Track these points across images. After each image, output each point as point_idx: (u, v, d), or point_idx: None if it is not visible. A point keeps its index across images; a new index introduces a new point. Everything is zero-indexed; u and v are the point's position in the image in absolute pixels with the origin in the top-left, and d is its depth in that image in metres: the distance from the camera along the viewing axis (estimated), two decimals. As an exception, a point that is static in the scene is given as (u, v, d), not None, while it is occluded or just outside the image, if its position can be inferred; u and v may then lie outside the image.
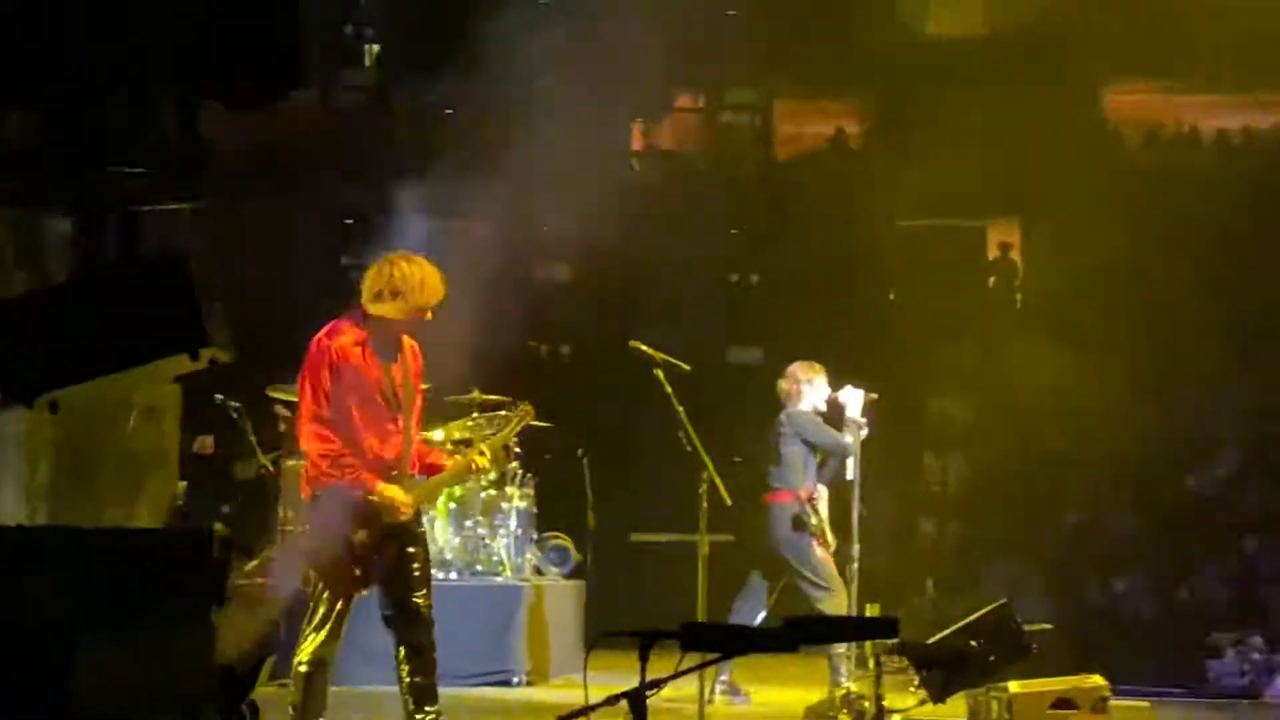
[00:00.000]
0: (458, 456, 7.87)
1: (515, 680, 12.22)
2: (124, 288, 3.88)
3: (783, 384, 11.54)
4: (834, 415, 11.30)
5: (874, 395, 11.21)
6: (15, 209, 4.75)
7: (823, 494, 11.30)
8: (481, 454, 7.73)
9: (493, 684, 12.03)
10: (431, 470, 7.72)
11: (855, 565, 11.03)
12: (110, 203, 3.94)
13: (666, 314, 16.11)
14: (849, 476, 11.07)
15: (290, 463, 13.03)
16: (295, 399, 12.96)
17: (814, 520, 11.11)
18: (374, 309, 7.46)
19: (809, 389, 11.41)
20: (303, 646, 7.48)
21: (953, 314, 17.61)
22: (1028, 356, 16.75)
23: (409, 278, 7.43)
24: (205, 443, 14.06)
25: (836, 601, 10.63)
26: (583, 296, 17.07)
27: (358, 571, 7.44)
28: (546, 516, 13.99)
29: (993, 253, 19.86)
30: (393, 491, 7.42)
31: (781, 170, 20.28)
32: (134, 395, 9.35)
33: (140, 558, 3.94)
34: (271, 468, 13.19)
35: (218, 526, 4.21)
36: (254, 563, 11.84)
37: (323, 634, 7.47)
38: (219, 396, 12.79)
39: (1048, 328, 17.81)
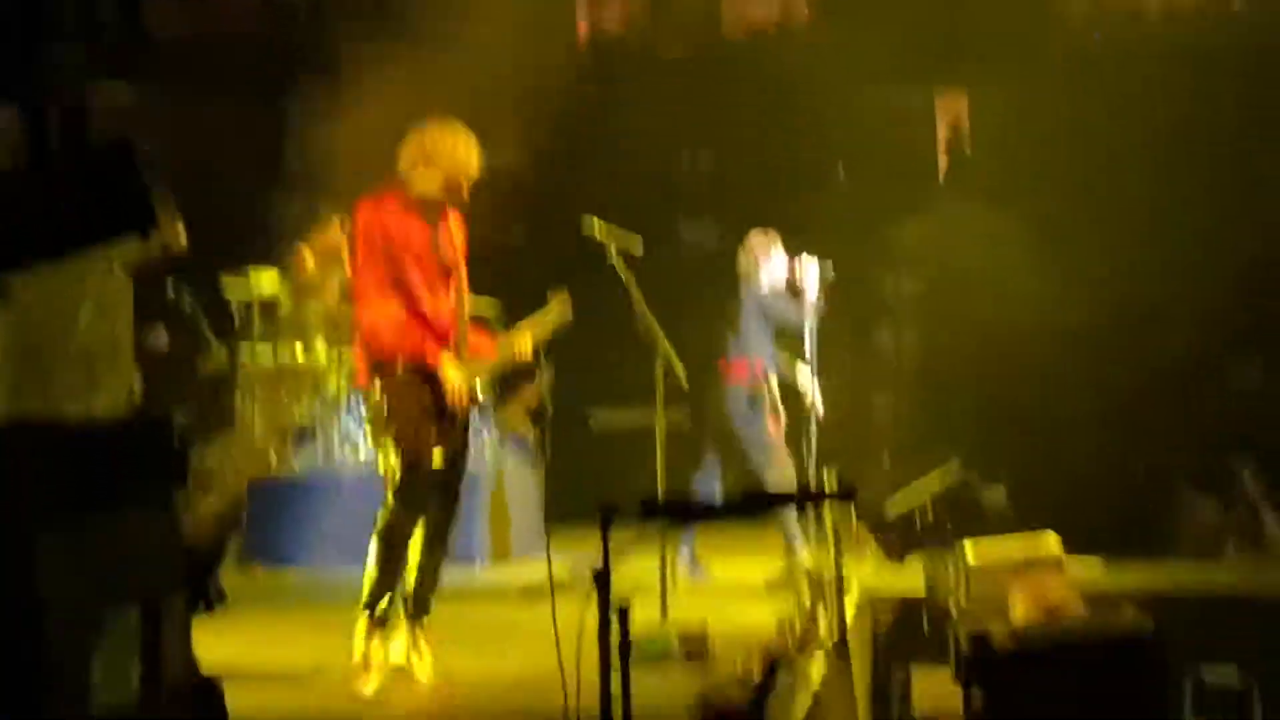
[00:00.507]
0: (503, 342, 7.75)
1: (478, 562, 12.31)
2: (71, 173, 3.86)
3: (741, 255, 11.55)
4: (792, 284, 11.35)
5: (830, 263, 11.25)
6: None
7: (775, 368, 11.36)
8: (521, 335, 7.75)
9: (456, 563, 12.10)
10: (477, 353, 7.63)
11: (814, 442, 11.12)
12: (53, 86, 3.91)
13: (618, 195, 16.06)
14: (806, 347, 11.13)
15: (246, 353, 13.04)
16: (245, 288, 13.07)
17: (769, 395, 11.16)
18: (412, 178, 7.40)
19: (766, 259, 11.43)
20: (393, 524, 7.41)
21: (902, 189, 17.61)
22: (978, 229, 16.79)
23: (440, 145, 7.37)
24: (159, 335, 14.01)
25: (784, 479, 10.70)
26: (534, 179, 16.99)
27: (433, 436, 7.34)
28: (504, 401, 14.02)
29: (942, 127, 19.82)
30: (454, 372, 7.36)
31: (730, 49, 20.15)
32: (85, 287, 9.32)
33: (100, 447, 3.95)
34: (227, 358, 13.18)
35: (177, 414, 4.22)
36: (213, 450, 11.90)
37: (407, 506, 7.38)
38: (171, 288, 12.74)
39: (998, 201, 17.83)
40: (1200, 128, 16.64)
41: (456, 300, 7.56)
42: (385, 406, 7.28)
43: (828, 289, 11.18)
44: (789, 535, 10.73)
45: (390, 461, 7.33)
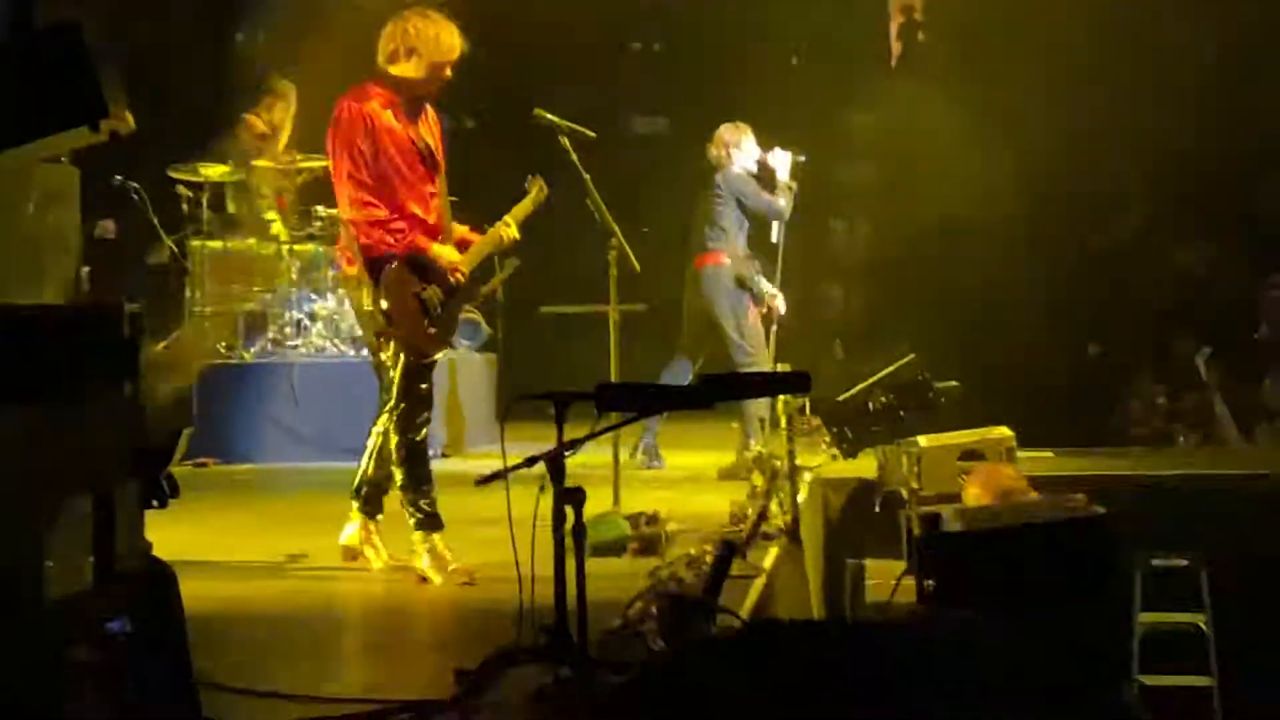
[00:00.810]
0: (487, 228, 7.77)
1: (432, 453, 12.32)
2: (18, 60, 3.80)
3: (711, 148, 11.52)
4: (763, 176, 11.36)
5: (802, 157, 11.26)
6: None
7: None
8: (507, 225, 7.75)
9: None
10: (463, 244, 7.62)
11: (774, 329, 11.18)
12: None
13: (569, 84, 15.98)
14: (774, 239, 11.16)
15: (195, 243, 12.96)
16: (194, 179, 12.97)
17: (754, 281, 11.18)
18: (393, 70, 7.33)
19: (738, 152, 11.43)
20: (394, 419, 7.37)
21: (855, 76, 17.56)
22: (930, 118, 16.75)
23: (423, 33, 7.30)
24: (106, 226, 13.91)
25: (759, 365, 10.77)
26: (484, 69, 16.85)
27: (432, 329, 7.33)
28: (456, 290, 14.00)
29: (896, 16, 19.74)
30: (447, 251, 7.39)
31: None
32: (31, 178, 9.22)
33: (49, 333, 3.91)
34: (176, 249, 13.10)
35: (127, 304, 4.18)
36: (164, 342, 11.85)
37: (415, 400, 7.33)
38: (118, 179, 12.64)
39: (950, 89, 17.78)
40: (1155, 10, 16.59)
41: (441, 192, 7.54)
42: (387, 305, 7.22)
43: (799, 175, 11.21)
44: (748, 427, 10.79)
45: (395, 359, 7.29)
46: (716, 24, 18.33)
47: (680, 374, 11.34)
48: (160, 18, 15.40)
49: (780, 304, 11.34)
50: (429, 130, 7.49)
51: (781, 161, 11.29)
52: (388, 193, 7.24)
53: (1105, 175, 16.99)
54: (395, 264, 7.22)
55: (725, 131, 11.52)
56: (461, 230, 7.73)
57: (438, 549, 7.29)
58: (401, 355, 7.28)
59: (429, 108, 7.51)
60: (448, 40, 7.36)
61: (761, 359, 11.06)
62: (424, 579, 7.23)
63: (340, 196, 7.33)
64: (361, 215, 7.21)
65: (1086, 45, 16.70)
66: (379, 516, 7.67)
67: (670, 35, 19.01)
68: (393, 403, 7.33)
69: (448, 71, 7.39)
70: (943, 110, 16.81)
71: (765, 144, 11.53)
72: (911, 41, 19.47)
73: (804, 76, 18.09)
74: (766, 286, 11.31)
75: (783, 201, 11.18)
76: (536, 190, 8.07)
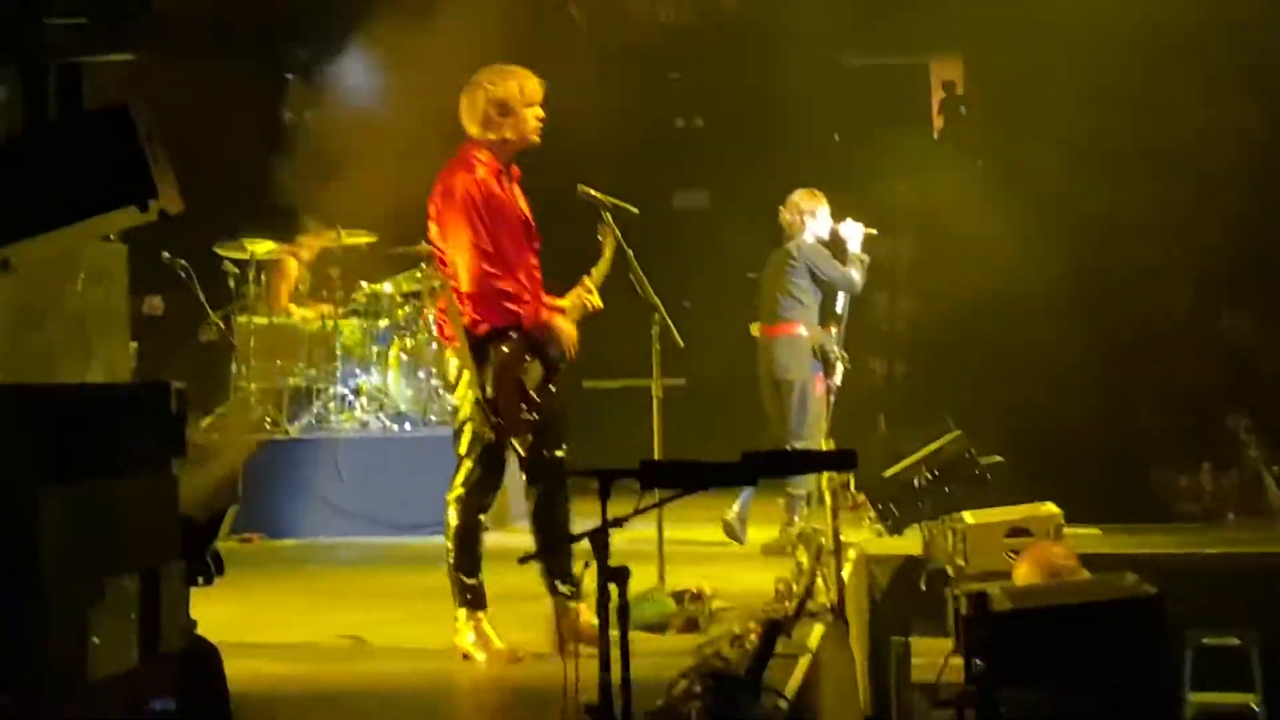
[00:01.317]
0: (572, 296, 7.56)
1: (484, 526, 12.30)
2: (70, 140, 3.83)
3: (785, 214, 11.43)
4: (834, 247, 11.32)
5: (874, 231, 11.21)
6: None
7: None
8: (590, 292, 7.59)
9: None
10: (552, 310, 7.43)
11: (833, 400, 11.13)
12: (52, 56, 3.88)
13: (612, 161, 16.03)
14: (838, 310, 11.12)
15: (241, 319, 13.03)
16: (240, 255, 13.05)
17: (835, 352, 11.10)
18: (491, 134, 7.23)
19: (812, 220, 11.34)
20: (462, 496, 7.33)
21: (897, 153, 17.57)
22: (973, 191, 16.76)
23: (507, 88, 7.22)
24: (155, 303, 14.00)
25: (815, 439, 10.67)
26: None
27: (532, 415, 7.18)
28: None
29: (936, 91, 19.78)
30: (569, 325, 7.27)
31: (721, 13, 20.08)
32: (80, 256, 9.31)
33: (97, 412, 3.92)
34: (224, 325, 13.18)
35: (173, 381, 4.20)
36: (210, 419, 11.90)
37: (489, 481, 7.31)
38: (166, 255, 12.74)
39: (992, 165, 17.79)
40: (1194, 89, 16.58)
41: (537, 259, 7.39)
42: (491, 392, 7.09)
43: (870, 248, 11.18)
44: (793, 502, 10.72)
45: (480, 429, 7.20)
46: (757, 100, 18.39)
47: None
48: (208, 95, 15.55)
49: (838, 376, 11.27)
50: (521, 195, 7.40)
51: (853, 233, 11.23)
52: (506, 264, 7.11)
53: (1151, 248, 16.95)
54: (510, 343, 7.07)
55: (801, 198, 11.41)
56: (548, 299, 7.52)
57: (482, 627, 7.25)
58: (488, 433, 7.17)
59: (515, 169, 7.40)
60: (532, 87, 7.28)
61: (818, 433, 10.97)
62: (467, 657, 7.18)
63: (461, 269, 7.13)
64: (486, 287, 7.06)
65: (1130, 117, 16.70)
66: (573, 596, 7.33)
67: (712, 111, 19.07)
68: (462, 477, 7.24)
69: (539, 117, 7.29)
70: (985, 183, 16.81)
71: (836, 215, 11.51)
72: (953, 115, 19.52)
73: (845, 151, 18.12)
74: (835, 354, 11.25)
75: (856, 274, 11.13)
76: (611, 241, 7.92)
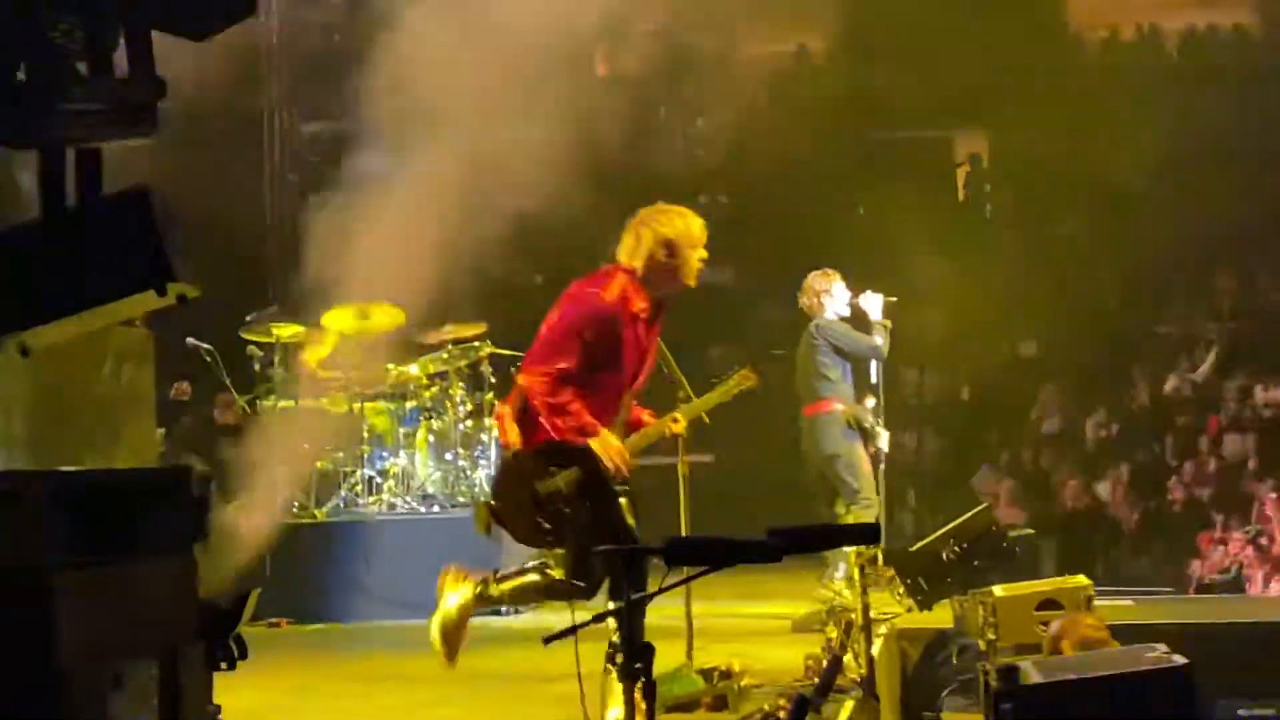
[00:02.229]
0: (655, 420, 7.48)
1: (502, 609, 12.25)
2: (86, 224, 3.84)
3: (802, 298, 11.59)
4: (855, 319, 11.41)
5: (893, 299, 11.32)
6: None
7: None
8: (676, 420, 7.54)
9: (481, 615, 12.06)
10: (634, 427, 7.33)
11: (882, 468, 11.15)
12: (67, 139, 3.89)
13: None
14: (873, 380, 11.20)
15: (267, 402, 13.06)
16: (265, 339, 13.08)
17: (869, 422, 11.17)
18: (647, 268, 7.12)
19: (829, 299, 11.47)
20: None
21: (922, 226, 17.59)
22: (998, 265, 16.78)
23: (678, 230, 7.14)
24: (182, 388, 14.05)
25: (874, 512, 10.73)
26: (552, 224, 17.00)
27: (546, 525, 7.01)
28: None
29: (959, 162, 19.84)
30: (612, 439, 7.05)
31: (745, 89, 20.18)
32: (107, 340, 9.33)
33: (119, 497, 3.92)
34: (249, 409, 13.21)
35: (196, 464, 4.19)
36: (235, 503, 11.89)
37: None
38: (191, 341, 12.78)
39: (1017, 236, 17.82)
40: (1218, 155, 16.61)
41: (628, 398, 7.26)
42: (496, 501, 7.13)
43: (892, 314, 11.27)
44: (834, 569, 10.73)
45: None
46: (781, 176, 18.46)
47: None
48: (236, 178, 15.65)
49: (884, 442, 11.33)
50: (654, 331, 7.30)
51: (873, 303, 11.37)
52: (587, 389, 7.02)
53: (1175, 316, 16.95)
54: (528, 458, 7.02)
55: (815, 280, 11.56)
56: (637, 413, 7.42)
57: None
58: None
59: (662, 307, 7.30)
60: (699, 229, 7.21)
61: (874, 501, 11.02)
62: None
63: (536, 365, 7.11)
64: (542, 404, 7.00)
65: (1150, 184, 16.73)
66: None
67: (735, 188, 19.13)
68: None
69: (703, 259, 7.24)
70: (1009, 253, 16.83)
71: (858, 287, 11.63)
72: (977, 187, 19.56)
73: (869, 225, 18.14)
74: (869, 424, 11.30)
75: (880, 340, 11.27)
76: (738, 379, 7.83)
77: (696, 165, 19.42)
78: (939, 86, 17.84)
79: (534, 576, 7.42)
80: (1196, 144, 16.74)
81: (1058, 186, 17.45)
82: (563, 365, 6.96)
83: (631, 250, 7.15)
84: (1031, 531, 11.81)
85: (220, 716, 4.16)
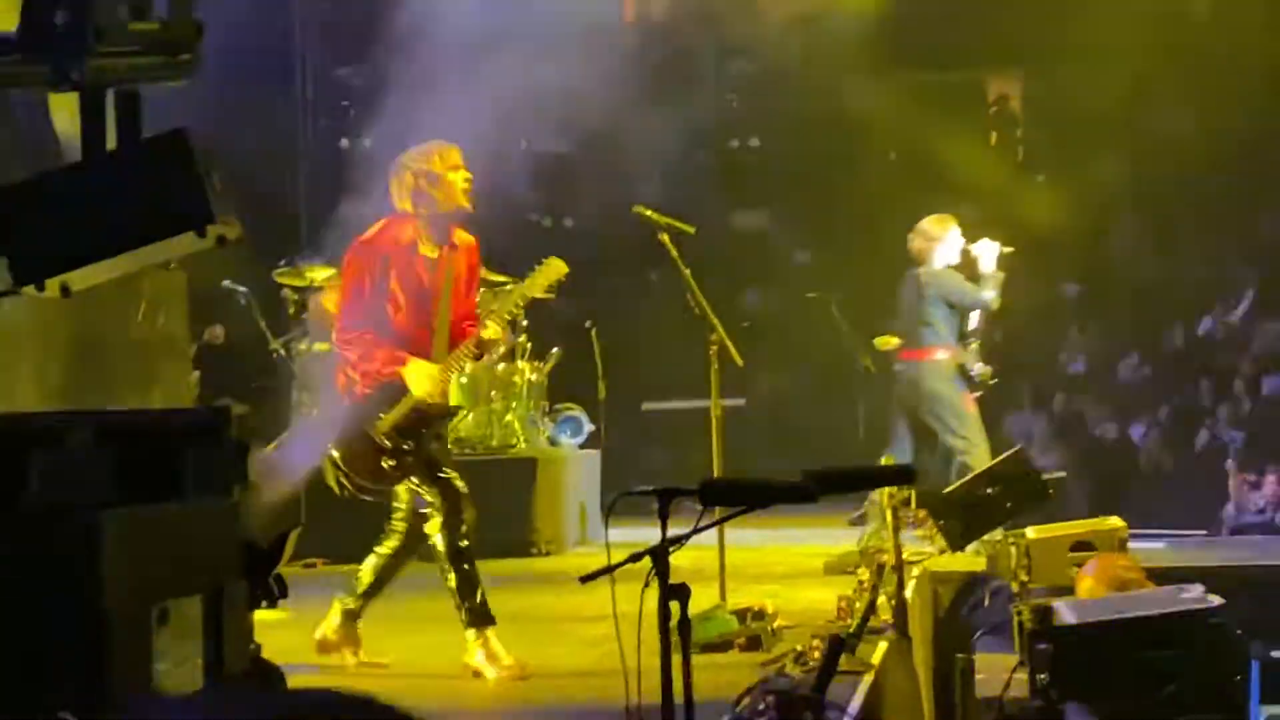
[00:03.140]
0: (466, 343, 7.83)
1: (534, 550, 12.32)
2: (128, 167, 3.86)
3: (915, 241, 11.41)
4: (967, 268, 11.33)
5: (1009, 249, 11.21)
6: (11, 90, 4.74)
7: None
8: (485, 327, 7.77)
9: (514, 555, 12.14)
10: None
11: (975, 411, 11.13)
12: (106, 82, 3.91)
13: (668, 182, 16.05)
14: (971, 327, 11.14)
15: (302, 346, 13.10)
16: (299, 283, 13.13)
17: (979, 370, 11.13)
18: (424, 210, 7.62)
19: (941, 246, 11.33)
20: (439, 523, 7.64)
21: (954, 168, 17.53)
22: (1032, 207, 16.71)
23: (431, 162, 7.60)
24: (215, 332, 14.10)
25: (981, 455, 10.68)
26: (583, 168, 16.99)
27: (390, 462, 7.65)
28: (558, 389, 14.05)
29: (992, 104, 19.73)
30: (422, 365, 7.56)
31: (774, 33, 20.10)
32: (141, 285, 9.38)
33: (162, 437, 3.95)
34: (285, 352, 13.25)
35: (235, 406, 4.23)
36: (273, 444, 11.93)
37: (451, 504, 7.61)
38: (226, 283, 12.81)
39: (1050, 178, 17.74)
40: (1256, 95, 16.49)
41: (440, 326, 7.70)
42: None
43: (1005, 265, 11.18)
44: (870, 513, 10.74)
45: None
46: (813, 120, 18.39)
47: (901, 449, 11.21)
48: (268, 122, 15.67)
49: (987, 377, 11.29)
50: (462, 261, 7.72)
51: (987, 251, 11.24)
52: (381, 325, 7.56)
53: (1209, 260, 16.87)
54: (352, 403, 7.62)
55: (929, 225, 11.38)
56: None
57: (491, 645, 7.33)
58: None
59: (463, 239, 7.77)
60: (452, 155, 7.68)
61: (982, 444, 10.98)
62: (478, 675, 7.25)
63: (336, 328, 7.84)
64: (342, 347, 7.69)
65: (1186, 124, 16.62)
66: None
67: (768, 132, 19.07)
68: (436, 504, 7.54)
69: (467, 179, 7.64)
70: (1042, 196, 16.75)
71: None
72: (1008, 131, 19.46)
73: (901, 169, 18.07)
74: (978, 371, 11.26)
75: (989, 294, 11.13)
76: (545, 272, 8.20)
77: (727, 109, 19.37)
78: (971, 28, 17.73)
79: (373, 559, 8.07)
80: (1235, 83, 16.61)
81: (1091, 128, 17.34)
82: (350, 318, 7.61)
83: (398, 194, 7.66)
84: (1064, 474, 11.82)
85: (261, 653, 4.21)
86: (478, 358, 8.01)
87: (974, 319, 11.27)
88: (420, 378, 7.54)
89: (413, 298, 7.57)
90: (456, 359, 7.75)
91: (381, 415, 7.55)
